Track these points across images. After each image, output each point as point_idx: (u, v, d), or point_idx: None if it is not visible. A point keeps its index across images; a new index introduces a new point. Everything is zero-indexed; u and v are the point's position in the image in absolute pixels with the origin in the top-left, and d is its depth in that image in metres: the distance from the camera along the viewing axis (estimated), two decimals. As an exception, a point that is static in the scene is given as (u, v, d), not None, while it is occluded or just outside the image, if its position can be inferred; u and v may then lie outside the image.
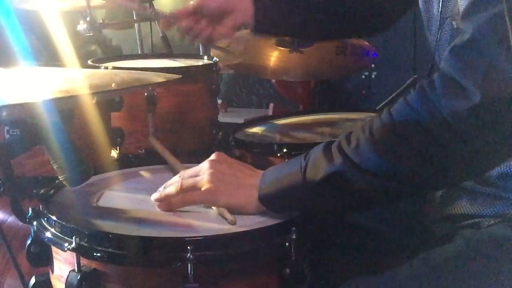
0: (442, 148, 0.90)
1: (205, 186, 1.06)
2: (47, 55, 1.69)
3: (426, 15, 1.20)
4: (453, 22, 1.07)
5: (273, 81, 3.19)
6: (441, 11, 1.11)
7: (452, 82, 0.89)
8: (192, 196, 1.07)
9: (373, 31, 1.57)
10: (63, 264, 1.03)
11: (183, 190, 1.07)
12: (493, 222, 1.04)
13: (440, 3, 1.11)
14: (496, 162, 0.97)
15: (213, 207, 1.08)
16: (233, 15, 1.51)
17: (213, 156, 1.11)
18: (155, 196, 1.10)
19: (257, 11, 1.50)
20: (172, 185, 1.09)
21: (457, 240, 1.06)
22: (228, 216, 1.03)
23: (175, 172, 1.23)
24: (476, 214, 1.07)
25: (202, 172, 1.08)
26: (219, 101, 2.61)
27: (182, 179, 1.09)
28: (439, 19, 1.12)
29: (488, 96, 0.86)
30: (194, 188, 1.07)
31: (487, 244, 1.03)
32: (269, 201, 1.03)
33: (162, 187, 1.11)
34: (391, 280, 1.02)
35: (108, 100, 1.63)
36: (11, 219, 1.51)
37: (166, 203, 1.08)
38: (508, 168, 1.04)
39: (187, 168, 1.16)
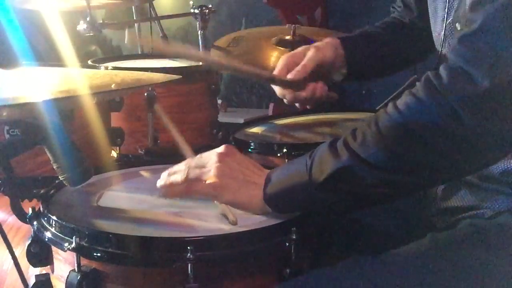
0: (449, 138, 0.90)
1: (211, 179, 1.05)
2: (54, 55, 1.69)
3: (433, 16, 1.21)
4: (456, 24, 1.08)
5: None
6: (446, 15, 1.12)
7: (459, 71, 0.89)
8: (197, 187, 1.07)
9: (424, 56, 1.57)
10: (63, 264, 1.03)
11: (189, 180, 1.07)
12: (498, 211, 1.04)
13: (446, 5, 1.11)
14: (505, 151, 0.96)
15: (215, 202, 1.07)
16: (338, 63, 1.50)
17: (222, 149, 1.10)
18: (160, 182, 1.09)
19: (348, 56, 1.49)
20: (178, 173, 1.08)
21: (462, 227, 1.06)
22: (230, 216, 1.03)
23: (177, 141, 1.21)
24: (478, 206, 1.06)
25: (209, 165, 1.07)
26: (219, 101, 2.62)
27: (188, 168, 1.08)
28: (444, 21, 1.13)
29: (496, 83, 0.86)
30: (200, 179, 1.07)
31: (490, 231, 1.02)
32: (274, 202, 1.03)
33: (166, 173, 1.10)
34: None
35: (108, 100, 1.63)
36: (11, 219, 1.51)
37: (171, 190, 1.08)
38: (510, 165, 1.04)
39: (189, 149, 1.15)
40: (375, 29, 1.57)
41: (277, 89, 1.51)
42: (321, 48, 1.47)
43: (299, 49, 1.50)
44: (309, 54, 1.45)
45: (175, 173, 1.09)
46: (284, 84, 1.46)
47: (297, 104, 1.53)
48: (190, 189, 1.07)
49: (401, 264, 1.01)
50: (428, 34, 1.26)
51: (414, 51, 1.54)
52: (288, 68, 1.46)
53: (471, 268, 0.99)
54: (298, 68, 1.44)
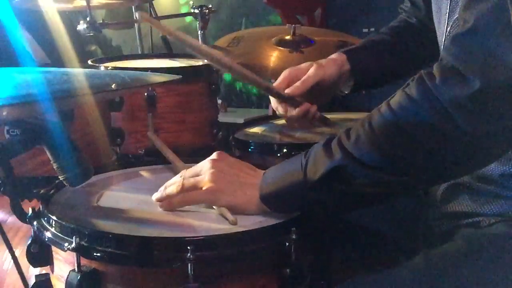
0: (442, 139, 0.90)
1: (206, 185, 1.06)
2: (54, 55, 1.70)
3: (437, 14, 1.21)
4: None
5: (273, 81, 3.18)
6: (449, 12, 1.12)
7: (451, 71, 0.89)
8: (193, 196, 1.07)
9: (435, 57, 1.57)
10: (63, 264, 1.03)
11: (184, 190, 1.07)
12: (493, 221, 1.04)
13: (449, 4, 1.11)
14: (497, 152, 0.96)
15: (214, 207, 1.08)
16: (342, 80, 1.49)
17: (214, 156, 1.11)
18: (156, 196, 1.10)
19: (353, 70, 1.48)
20: (173, 185, 1.09)
21: (457, 238, 1.06)
22: (229, 216, 1.03)
23: (174, 168, 1.23)
24: (477, 212, 1.07)
25: (203, 172, 1.08)
26: (219, 101, 2.62)
27: (183, 178, 1.09)
28: (447, 19, 1.13)
29: (487, 83, 0.86)
30: (195, 187, 1.07)
31: (487, 243, 1.02)
32: (270, 201, 1.03)
33: (163, 187, 1.11)
34: (391, 279, 1.02)
35: (108, 100, 1.63)
36: (11, 219, 1.51)
37: (168, 202, 1.08)
38: (510, 168, 1.04)
39: (186, 164, 1.16)
40: (381, 36, 1.56)
41: (272, 101, 1.51)
42: (323, 66, 1.46)
43: (303, 64, 1.49)
44: (310, 72, 1.44)
45: (171, 186, 1.10)
46: (280, 97, 1.46)
47: (286, 121, 1.53)
48: (186, 198, 1.08)
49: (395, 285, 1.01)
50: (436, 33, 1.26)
51: (424, 52, 1.53)
52: (288, 82, 1.46)
53: (468, 282, 0.99)
54: (297, 84, 1.44)
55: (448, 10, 1.12)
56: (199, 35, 2.25)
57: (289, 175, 1.02)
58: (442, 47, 1.18)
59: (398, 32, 1.56)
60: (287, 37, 1.95)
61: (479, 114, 0.88)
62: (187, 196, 1.08)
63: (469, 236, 1.05)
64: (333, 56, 1.50)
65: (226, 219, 1.04)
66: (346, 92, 1.55)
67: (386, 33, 1.57)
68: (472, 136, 0.89)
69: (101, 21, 2.05)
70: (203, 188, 1.06)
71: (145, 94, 1.68)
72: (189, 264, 0.90)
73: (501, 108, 0.87)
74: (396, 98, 0.95)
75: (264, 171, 1.08)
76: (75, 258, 0.96)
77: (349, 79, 1.50)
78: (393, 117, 0.93)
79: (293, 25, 1.95)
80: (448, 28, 1.13)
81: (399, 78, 1.62)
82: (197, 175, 1.09)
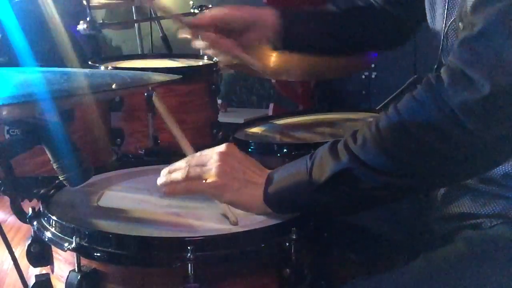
0: (450, 142, 0.89)
1: (211, 178, 1.04)
2: (54, 55, 1.69)
3: (430, 11, 1.20)
4: (459, 23, 1.07)
5: (273, 81, 3.19)
6: (447, 13, 1.11)
7: (460, 75, 0.89)
8: (197, 186, 1.06)
9: (391, 44, 1.54)
10: (63, 264, 1.03)
11: (189, 178, 1.06)
12: (495, 222, 1.04)
13: (446, 4, 1.11)
14: (505, 156, 0.96)
15: (216, 201, 1.07)
16: (259, 29, 1.44)
17: (223, 148, 1.09)
18: (160, 180, 1.09)
19: (285, 26, 1.43)
20: (178, 171, 1.08)
21: (458, 240, 1.06)
22: (231, 215, 1.03)
23: (177, 138, 1.22)
24: (478, 213, 1.06)
25: (210, 163, 1.06)
26: (219, 101, 2.61)
27: (189, 166, 1.08)
28: (444, 20, 1.12)
29: (497, 87, 0.85)
30: (201, 178, 1.06)
31: (488, 245, 1.02)
32: (274, 203, 1.03)
33: (166, 170, 1.10)
34: (392, 280, 1.02)
35: (108, 100, 1.63)
36: (11, 219, 1.51)
37: (171, 188, 1.07)
38: (511, 168, 1.03)
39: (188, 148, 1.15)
40: (332, 8, 1.50)
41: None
42: (240, 9, 1.43)
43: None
44: (223, 9, 1.42)
45: (175, 171, 1.08)
46: (189, 26, 1.43)
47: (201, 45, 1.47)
48: (190, 187, 1.06)
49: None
50: (400, 22, 1.23)
51: (372, 36, 1.48)
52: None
53: (469, 284, 0.99)
54: (205, 14, 1.43)
55: (445, 9, 1.11)
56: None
57: (294, 177, 1.01)
58: (440, 46, 1.17)
59: (353, 9, 1.49)
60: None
61: (488, 118, 0.87)
62: (191, 185, 1.06)
63: (471, 238, 1.05)
64: (268, 8, 1.47)
65: (228, 218, 1.04)
66: (270, 47, 1.48)
67: (339, 7, 1.50)
68: (480, 139, 0.89)
69: (101, 21, 2.05)
70: (208, 181, 1.05)
71: (145, 94, 1.68)
72: (189, 264, 0.90)
73: (509, 112, 0.87)
74: (404, 101, 0.94)
75: (270, 171, 1.07)
76: (75, 258, 0.96)
77: (278, 35, 1.43)
78: (400, 120, 0.93)
79: (293, 25, 1.94)
80: (446, 29, 1.13)
81: (332, 52, 1.56)
82: (204, 165, 1.07)
